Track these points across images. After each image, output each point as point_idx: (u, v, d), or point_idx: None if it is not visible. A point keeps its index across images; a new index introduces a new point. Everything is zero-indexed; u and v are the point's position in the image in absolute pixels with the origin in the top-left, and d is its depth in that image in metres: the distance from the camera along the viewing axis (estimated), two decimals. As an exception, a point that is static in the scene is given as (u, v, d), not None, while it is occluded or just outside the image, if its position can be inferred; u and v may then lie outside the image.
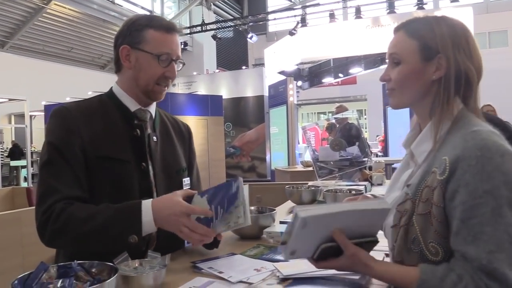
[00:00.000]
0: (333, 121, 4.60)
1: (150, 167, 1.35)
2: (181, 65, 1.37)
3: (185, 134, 1.57)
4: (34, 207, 1.22)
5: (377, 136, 13.89)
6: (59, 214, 1.16)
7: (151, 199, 1.20)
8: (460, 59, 0.95)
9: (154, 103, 1.43)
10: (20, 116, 9.39)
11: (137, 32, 1.30)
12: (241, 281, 1.08)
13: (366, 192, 2.33)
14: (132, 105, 1.36)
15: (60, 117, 1.28)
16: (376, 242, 0.95)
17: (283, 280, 1.07)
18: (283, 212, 2.09)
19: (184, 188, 1.40)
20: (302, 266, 1.09)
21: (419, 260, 0.90)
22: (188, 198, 1.21)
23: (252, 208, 1.64)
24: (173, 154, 1.45)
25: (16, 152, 11.75)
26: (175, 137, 1.49)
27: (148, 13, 14.73)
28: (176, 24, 1.36)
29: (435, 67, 0.97)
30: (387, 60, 1.07)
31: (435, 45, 0.97)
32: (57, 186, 1.20)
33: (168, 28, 1.32)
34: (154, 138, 1.39)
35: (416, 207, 0.92)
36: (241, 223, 1.15)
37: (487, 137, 0.87)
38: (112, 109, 1.35)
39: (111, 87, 1.41)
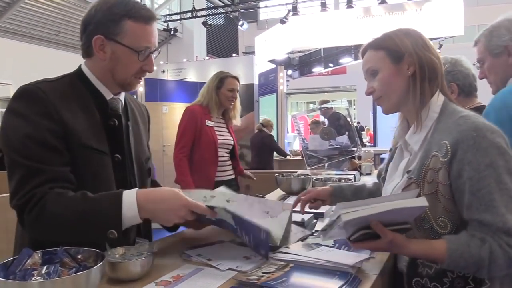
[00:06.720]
0: (319, 116, 4.57)
1: (124, 158, 1.29)
2: (156, 53, 1.28)
3: (146, 117, 1.51)
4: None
5: (366, 126, 13.98)
6: (37, 201, 1.06)
7: (136, 190, 1.11)
8: (420, 52, 1.13)
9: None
10: (6, 101, 9.22)
11: (113, 22, 1.19)
12: (230, 269, 1.07)
13: (355, 181, 2.33)
14: (106, 94, 1.28)
15: (34, 100, 1.14)
16: (410, 229, 1.02)
17: (279, 268, 1.06)
18: (272, 200, 2.08)
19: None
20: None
21: (429, 235, 1.03)
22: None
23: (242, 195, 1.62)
24: (141, 143, 1.40)
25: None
26: (141, 123, 1.43)
27: (137, -3, 14.47)
28: (153, 11, 1.26)
29: (407, 65, 1.14)
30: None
31: (398, 48, 1.15)
32: (40, 167, 1.09)
33: (147, 18, 1.22)
34: (130, 128, 1.34)
35: (421, 188, 1.04)
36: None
37: (476, 119, 1.03)
38: (86, 94, 1.24)
39: (80, 68, 1.29)
